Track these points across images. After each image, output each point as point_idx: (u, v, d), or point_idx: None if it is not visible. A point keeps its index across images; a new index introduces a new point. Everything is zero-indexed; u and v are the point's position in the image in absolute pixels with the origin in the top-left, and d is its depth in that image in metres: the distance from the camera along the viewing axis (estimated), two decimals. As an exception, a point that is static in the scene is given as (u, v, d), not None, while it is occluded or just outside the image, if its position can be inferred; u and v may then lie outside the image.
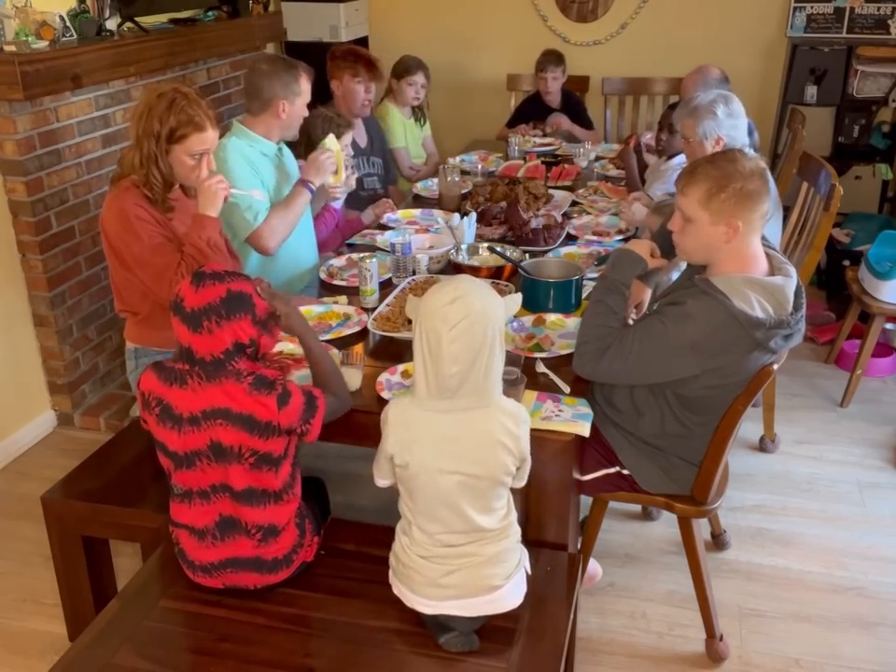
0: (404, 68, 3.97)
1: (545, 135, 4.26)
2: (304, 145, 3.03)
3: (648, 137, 3.64)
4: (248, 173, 2.67)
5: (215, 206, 2.25)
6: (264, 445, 1.69)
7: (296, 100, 2.73)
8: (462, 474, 1.60)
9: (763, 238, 1.99)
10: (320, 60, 3.69)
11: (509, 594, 1.70)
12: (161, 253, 2.22)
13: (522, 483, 1.72)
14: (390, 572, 1.77)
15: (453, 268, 2.67)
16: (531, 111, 4.49)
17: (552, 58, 4.35)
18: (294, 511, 1.82)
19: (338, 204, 3.08)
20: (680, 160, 2.99)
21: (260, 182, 2.69)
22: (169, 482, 1.80)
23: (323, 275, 2.74)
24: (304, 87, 2.75)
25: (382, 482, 1.73)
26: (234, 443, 1.68)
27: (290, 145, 2.96)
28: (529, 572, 1.77)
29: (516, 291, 2.47)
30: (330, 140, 2.85)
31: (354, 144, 3.55)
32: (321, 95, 3.39)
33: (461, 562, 1.65)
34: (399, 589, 1.74)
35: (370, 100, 3.57)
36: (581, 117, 4.51)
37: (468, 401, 1.59)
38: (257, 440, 1.68)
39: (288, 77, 2.71)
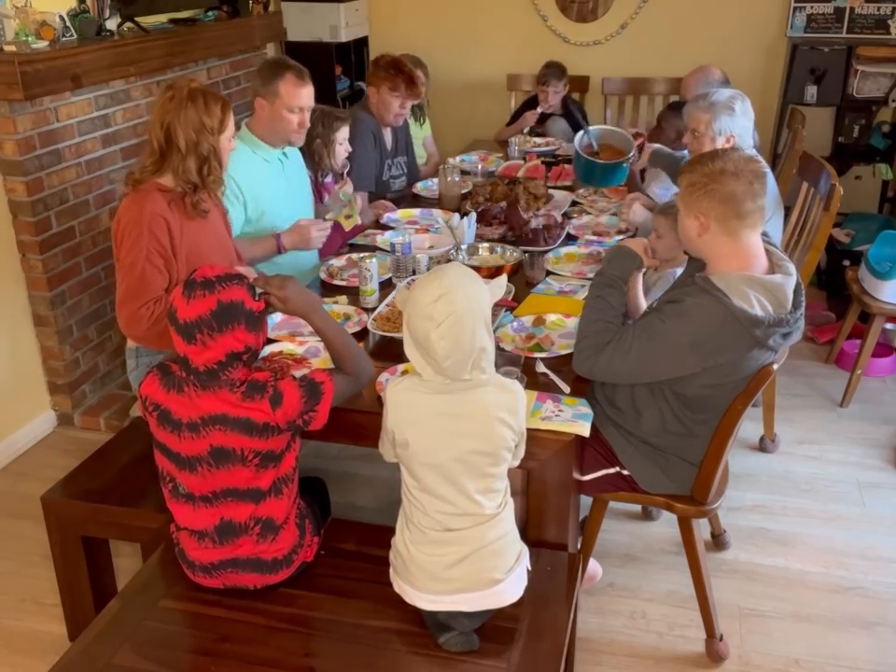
0: None
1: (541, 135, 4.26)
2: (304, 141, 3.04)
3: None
4: (231, 191, 2.65)
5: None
6: (265, 444, 1.70)
7: (275, 101, 2.68)
8: (463, 450, 1.62)
9: (765, 234, 1.99)
10: (320, 60, 3.70)
11: (509, 588, 1.70)
12: (148, 278, 2.17)
13: (518, 460, 1.74)
14: (391, 570, 1.77)
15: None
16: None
17: (555, 71, 4.29)
18: (293, 505, 1.82)
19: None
20: (679, 158, 2.99)
21: (242, 202, 2.70)
22: (164, 482, 1.79)
23: (323, 275, 2.74)
24: (283, 90, 2.67)
25: (389, 459, 1.76)
26: (235, 446, 1.68)
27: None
28: (530, 569, 1.77)
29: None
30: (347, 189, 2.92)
31: (381, 146, 3.55)
32: (323, 96, 3.39)
33: (462, 550, 1.65)
34: (399, 586, 1.73)
35: (403, 114, 3.54)
36: (580, 126, 4.48)
37: (464, 382, 1.62)
38: (257, 440, 1.68)
39: (269, 73, 2.67)
